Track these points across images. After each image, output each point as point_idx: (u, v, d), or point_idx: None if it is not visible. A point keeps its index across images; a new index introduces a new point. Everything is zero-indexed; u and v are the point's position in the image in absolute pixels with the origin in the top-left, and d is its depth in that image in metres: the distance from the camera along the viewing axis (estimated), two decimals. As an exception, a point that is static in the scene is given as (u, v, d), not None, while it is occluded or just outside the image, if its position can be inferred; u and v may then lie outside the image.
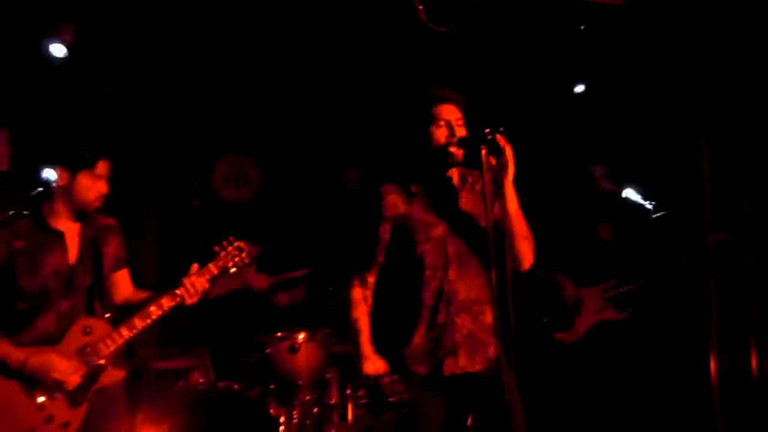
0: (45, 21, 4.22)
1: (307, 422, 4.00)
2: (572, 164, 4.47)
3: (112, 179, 2.86)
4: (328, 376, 4.14)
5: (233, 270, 2.97)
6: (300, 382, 4.02)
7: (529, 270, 3.86)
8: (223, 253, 2.95)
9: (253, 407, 3.88)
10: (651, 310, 4.04)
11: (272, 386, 4.03)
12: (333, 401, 4.14)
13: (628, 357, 4.04)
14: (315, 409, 4.08)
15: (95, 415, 2.68)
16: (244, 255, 3.00)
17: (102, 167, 2.78)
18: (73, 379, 2.64)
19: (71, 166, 2.74)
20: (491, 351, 2.69)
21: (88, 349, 2.68)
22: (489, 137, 2.52)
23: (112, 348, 2.72)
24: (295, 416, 3.98)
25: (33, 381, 2.60)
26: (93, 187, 2.76)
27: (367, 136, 5.23)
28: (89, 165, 2.75)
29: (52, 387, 2.62)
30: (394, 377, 2.69)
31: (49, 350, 2.64)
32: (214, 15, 4.51)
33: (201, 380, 4.13)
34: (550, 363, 4.08)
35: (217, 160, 5.54)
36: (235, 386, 3.96)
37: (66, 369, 2.62)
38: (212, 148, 5.50)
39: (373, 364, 2.73)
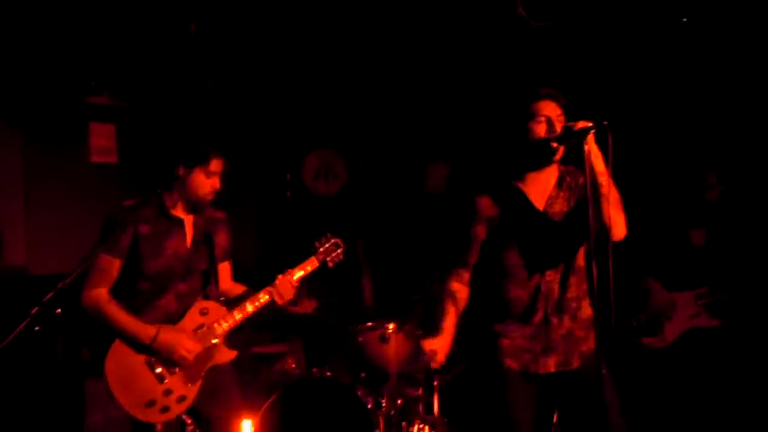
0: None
1: (392, 412, 4.08)
2: (668, 166, 4.34)
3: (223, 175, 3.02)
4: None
5: (330, 265, 3.12)
6: (389, 372, 4.10)
7: (618, 274, 3.82)
8: (322, 249, 3.10)
9: (346, 393, 3.96)
10: (747, 318, 3.86)
11: (363, 374, 4.13)
12: (419, 393, 4.20)
13: (719, 365, 3.89)
14: (400, 400, 4.16)
15: (208, 392, 2.85)
16: (340, 251, 3.14)
17: (216, 164, 2.93)
18: (193, 356, 2.81)
19: (188, 162, 2.90)
20: (589, 345, 2.70)
21: (205, 329, 2.86)
22: (594, 129, 2.48)
23: (226, 329, 2.89)
24: (383, 404, 4.07)
25: (158, 355, 2.78)
26: (207, 182, 2.92)
27: (457, 131, 5.26)
28: (204, 161, 2.90)
29: (174, 362, 2.80)
30: (438, 355, 2.76)
31: (175, 327, 2.83)
32: (306, 14, 4.62)
33: (294, 365, 4.28)
34: (637, 368, 3.96)
35: (308, 154, 5.70)
36: (327, 373, 4.07)
37: (190, 346, 2.80)
38: (304, 143, 5.65)
39: (435, 343, 2.79)
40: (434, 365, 2.83)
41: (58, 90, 4.67)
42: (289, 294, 2.98)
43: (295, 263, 3.10)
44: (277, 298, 2.95)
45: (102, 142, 4.91)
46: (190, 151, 2.91)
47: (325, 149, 5.74)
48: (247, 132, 5.31)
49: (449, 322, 2.83)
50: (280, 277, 2.98)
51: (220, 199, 3.12)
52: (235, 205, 3.23)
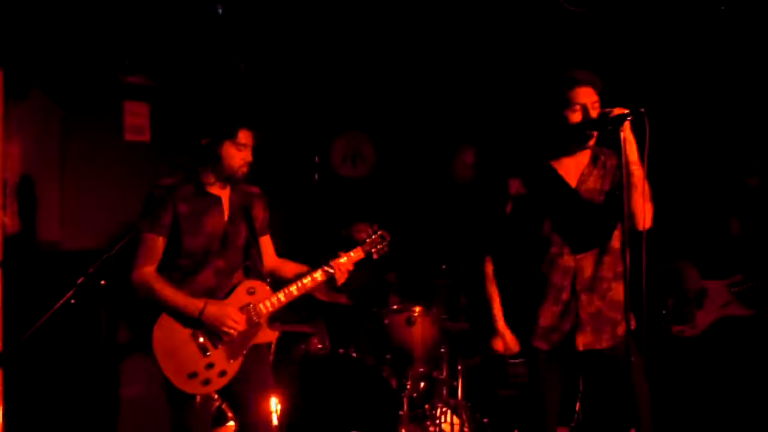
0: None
1: (414, 395, 4.14)
2: (709, 152, 4.30)
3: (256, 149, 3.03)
4: (441, 350, 4.25)
5: (375, 257, 3.16)
6: (415, 355, 4.16)
7: (651, 259, 3.83)
8: (368, 240, 3.14)
9: (371, 374, 4.03)
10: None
11: (388, 356, 4.18)
12: (443, 376, 4.25)
13: (751, 355, 3.88)
14: (422, 383, 4.21)
15: (247, 369, 2.91)
16: (386, 244, 3.17)
17: (244, 136, 2.92)
18: (238, 330, 2.87)
19: (215, 136, 2.90)
20: (620, 329, 2.72)
21: (250, 308, 2.91)
22: (631, 115, 2.48)
23: (271, 310, 2.95)
24: (408, 386, 4.13)
25: (205, 327, 2.83)
26: (238, 155, 2.92)
27: (486, 115, 5.25)
28: (230, 135, 2.90)
29: (219, 335, 2.84)
30: (520, 361, 2.76)
31: (223, 302, 2.87)
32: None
33: (319, 346, 4.34)
34: (666, 356, 3.97)
35: (336, 137, 5.73)
36: (353, 354, 4.14)
37: (236, 320, 2.85)
38: (332, 126, 5.67)
39: (505, 343, 2.83)
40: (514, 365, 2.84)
41: (94, 69, 4.72)
42: (347, 269, 3.04)
43: (324, 246, 3.16)
44: (338, 276, 3.01)
45: (135, 120, 4.96)
46: (216, 125, 2.91)
47: (353, 132, 5.77)
48: (275, 114, 5.33)
49: (498, 308, 2.87)
50: (337, 260, 3.03)
51: (247, 180, 3.16)
52: (263, 186, 3.25)
